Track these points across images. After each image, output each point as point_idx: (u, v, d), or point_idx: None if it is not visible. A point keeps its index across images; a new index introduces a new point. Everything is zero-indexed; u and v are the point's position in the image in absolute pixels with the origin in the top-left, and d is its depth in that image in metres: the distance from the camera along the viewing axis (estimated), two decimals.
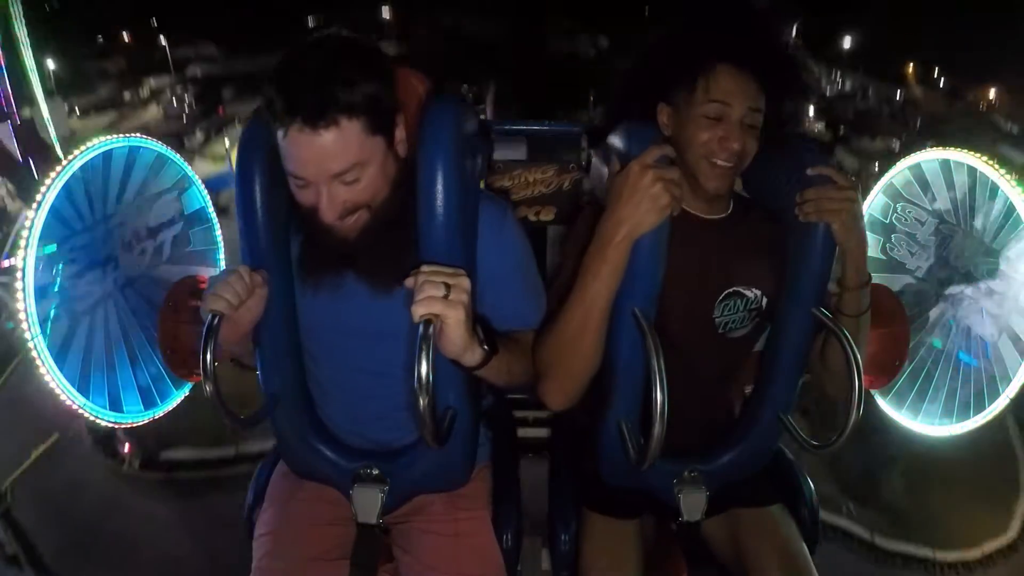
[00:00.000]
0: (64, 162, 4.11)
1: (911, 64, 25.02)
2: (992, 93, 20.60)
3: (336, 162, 0.89)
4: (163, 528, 6.07)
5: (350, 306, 1.04)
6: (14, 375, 7.88)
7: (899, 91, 23.66)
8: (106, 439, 6.85)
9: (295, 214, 0.99)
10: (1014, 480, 7.20)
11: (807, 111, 1.37)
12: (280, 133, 0.89)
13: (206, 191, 4.62)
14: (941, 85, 24.22)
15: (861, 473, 6.73)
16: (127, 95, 22.83)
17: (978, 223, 4.26)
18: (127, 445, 6.68)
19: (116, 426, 4.68)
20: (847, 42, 25.49)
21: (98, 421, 4.50)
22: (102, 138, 4.33)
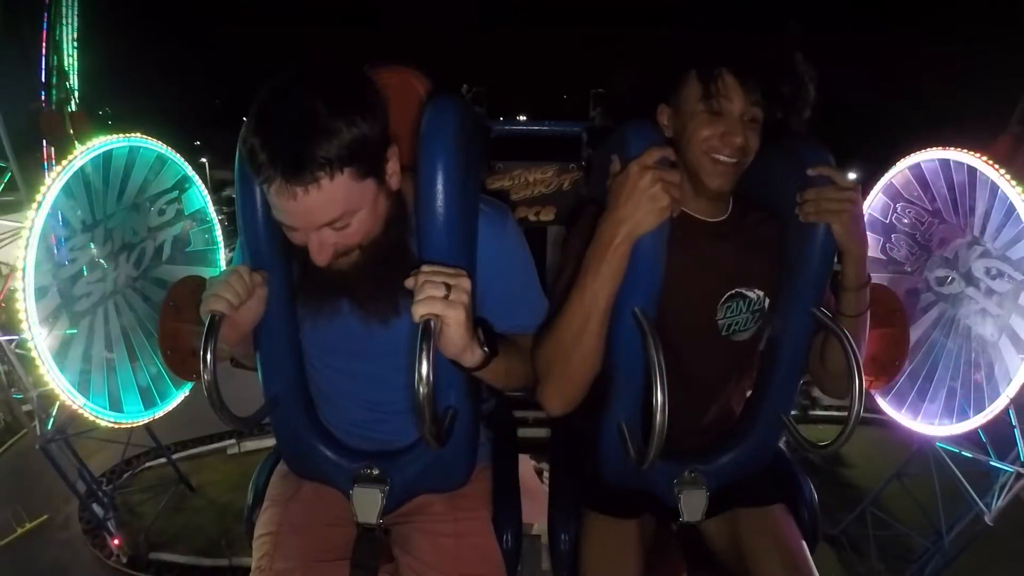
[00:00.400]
0: (65, 162, 4.11)
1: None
2: None
3: (321, 215, 0.87)
4: None
5: (348, 331, 1.03)
6: (15, 449, 7.78)
7: None
8: (96, 528, 6.63)
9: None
10: None
11: (807, 111, 1.38)
12: (264, 186, 0.86)
13: None
14: None
15: None
16: None
17: (978, 223, 4.26)
18: (117, 539, 6.41)
19: (116, 426, 4.68)
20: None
21: (99, 421, 4.49)
22: (103, 138, 4.33)
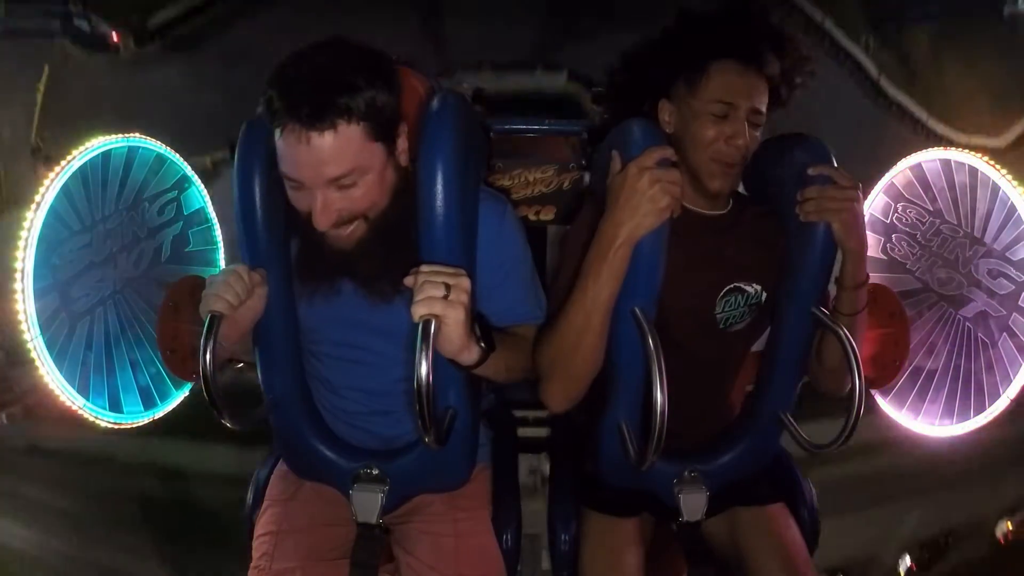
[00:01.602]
0: (64, 162, 4.12)
1: None
2: None
3: (332, 166, 0.87)
4: None
5: (347, 312, 1.04)
6: None
7: None
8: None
9: (292, 218, 0.98)
10: None
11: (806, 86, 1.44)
12: (277, 133, 0.88)
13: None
14: None
15: None
16: None
17: (979, 223, 4.26)
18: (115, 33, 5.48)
19: (116, 426, 4.69)
20: None
21: (99, 421, 4.51)
22: (101, 138, 4.34)
